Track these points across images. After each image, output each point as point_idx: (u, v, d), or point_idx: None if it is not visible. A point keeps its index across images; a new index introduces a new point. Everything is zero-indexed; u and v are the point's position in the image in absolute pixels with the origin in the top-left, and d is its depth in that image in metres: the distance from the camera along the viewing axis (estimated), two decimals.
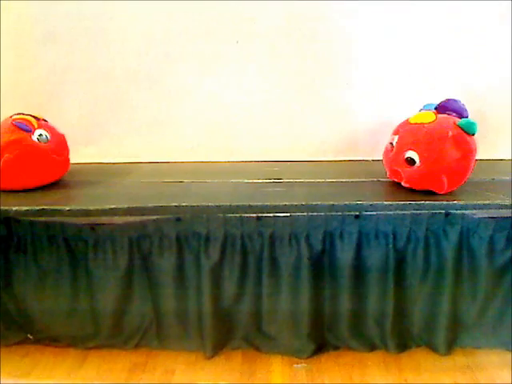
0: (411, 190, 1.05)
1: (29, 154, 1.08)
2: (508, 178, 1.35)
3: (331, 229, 1.22)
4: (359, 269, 1.25)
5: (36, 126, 1.13)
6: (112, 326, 1.34)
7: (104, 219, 1.23)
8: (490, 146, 1.53)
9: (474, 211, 1.19)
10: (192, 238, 1.24)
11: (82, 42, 1.45)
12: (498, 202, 1.17)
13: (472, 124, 1.02)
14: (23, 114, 1.15)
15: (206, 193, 1.24)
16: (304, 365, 1.30)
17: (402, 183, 1.07)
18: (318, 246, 1.23)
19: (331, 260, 1.25)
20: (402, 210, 1.18)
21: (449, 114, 1.07)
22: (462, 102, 1.10)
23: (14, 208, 1.18)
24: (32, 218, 1.23)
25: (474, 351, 1.33)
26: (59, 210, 1.19)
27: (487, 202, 1.18)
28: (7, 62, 1.47)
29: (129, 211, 1.21)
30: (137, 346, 1.36)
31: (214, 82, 1.51)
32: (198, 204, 1.20)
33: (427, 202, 1.18)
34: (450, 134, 0.99)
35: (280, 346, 1.33)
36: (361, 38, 1.36)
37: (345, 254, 1.23)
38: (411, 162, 1.02)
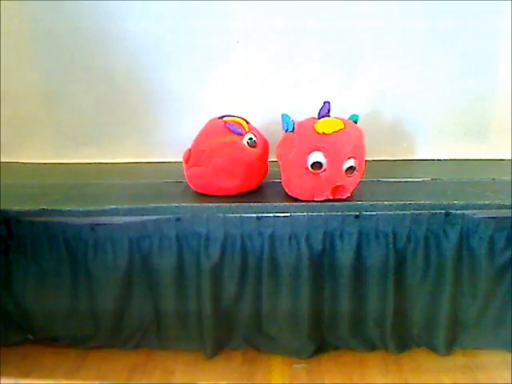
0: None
1: (239, 158, 1.03)
2: (508, 178, 1.35)
3: (331, 229, 1.22)
4: (359, 269, 1.25)
5: (247, 129, 1.08)
6: (112, 326, 1.34)
7: (104, 219, 1.23)
8: (490, 147, 1.54)
9: (474, 211, 1.19)
10: (192, 238, 1.24)
11: (82, 41, 1.46)
12: (498, 202, 1.18)
13: (356, 116, 1.05)
14: (234, 116, 1.10)
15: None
16: (304, 365, 1.30)
17: (345, 197, 1.04)
18: (318, 246, 1.23)
19: (331, 260, 1.25)
20: (402, 210, 1.18)
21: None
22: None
23: (15, 208, 1.19)
24: (32, 219, 1.23)
25: (474, 351, 1.33)
26: (59, 210, 1.20)
27: (487, 202, 1.19)
28: (7, 62, 1.47)
29: (129, 211, 1.21)
30: (137, 346, 1.36)
31: (214, 81, 1.51)
32: (198, 204, 1.21)
33: (427, 202, 1.18)
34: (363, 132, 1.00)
35: (280, 346, 1.33)
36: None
37: (345, 254, 1.23)
38: (351, 170, 0.99)
